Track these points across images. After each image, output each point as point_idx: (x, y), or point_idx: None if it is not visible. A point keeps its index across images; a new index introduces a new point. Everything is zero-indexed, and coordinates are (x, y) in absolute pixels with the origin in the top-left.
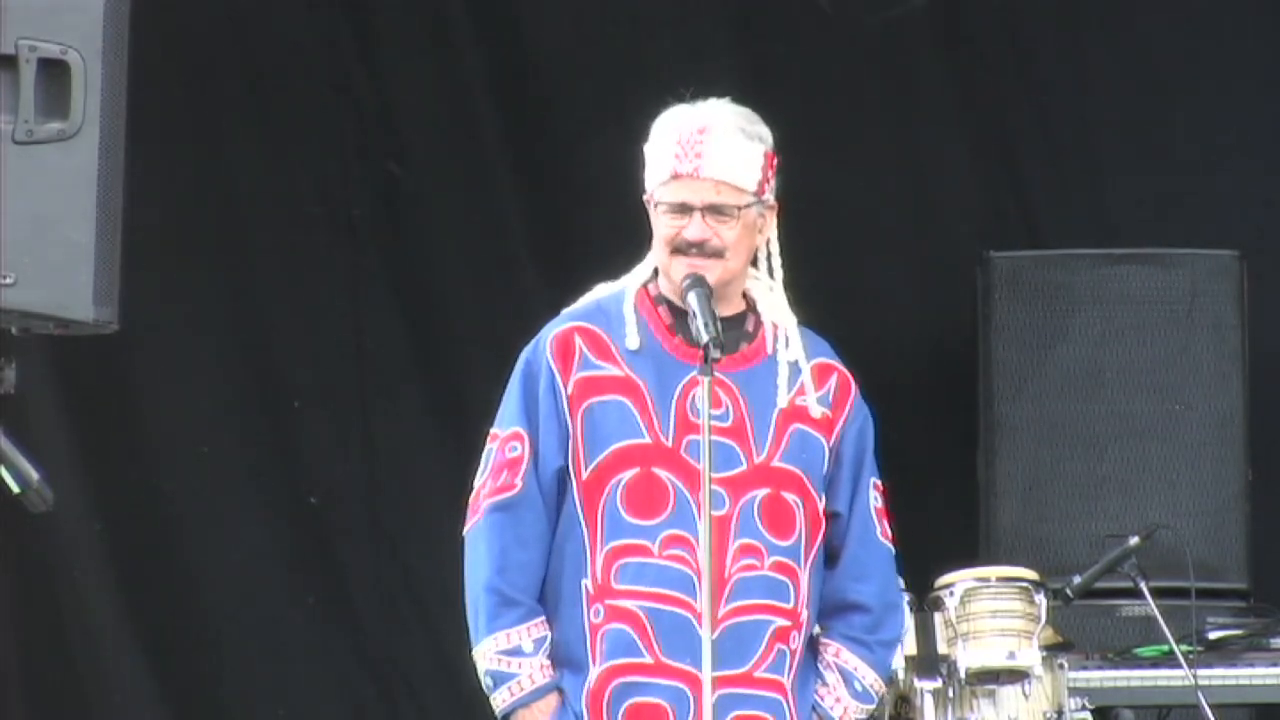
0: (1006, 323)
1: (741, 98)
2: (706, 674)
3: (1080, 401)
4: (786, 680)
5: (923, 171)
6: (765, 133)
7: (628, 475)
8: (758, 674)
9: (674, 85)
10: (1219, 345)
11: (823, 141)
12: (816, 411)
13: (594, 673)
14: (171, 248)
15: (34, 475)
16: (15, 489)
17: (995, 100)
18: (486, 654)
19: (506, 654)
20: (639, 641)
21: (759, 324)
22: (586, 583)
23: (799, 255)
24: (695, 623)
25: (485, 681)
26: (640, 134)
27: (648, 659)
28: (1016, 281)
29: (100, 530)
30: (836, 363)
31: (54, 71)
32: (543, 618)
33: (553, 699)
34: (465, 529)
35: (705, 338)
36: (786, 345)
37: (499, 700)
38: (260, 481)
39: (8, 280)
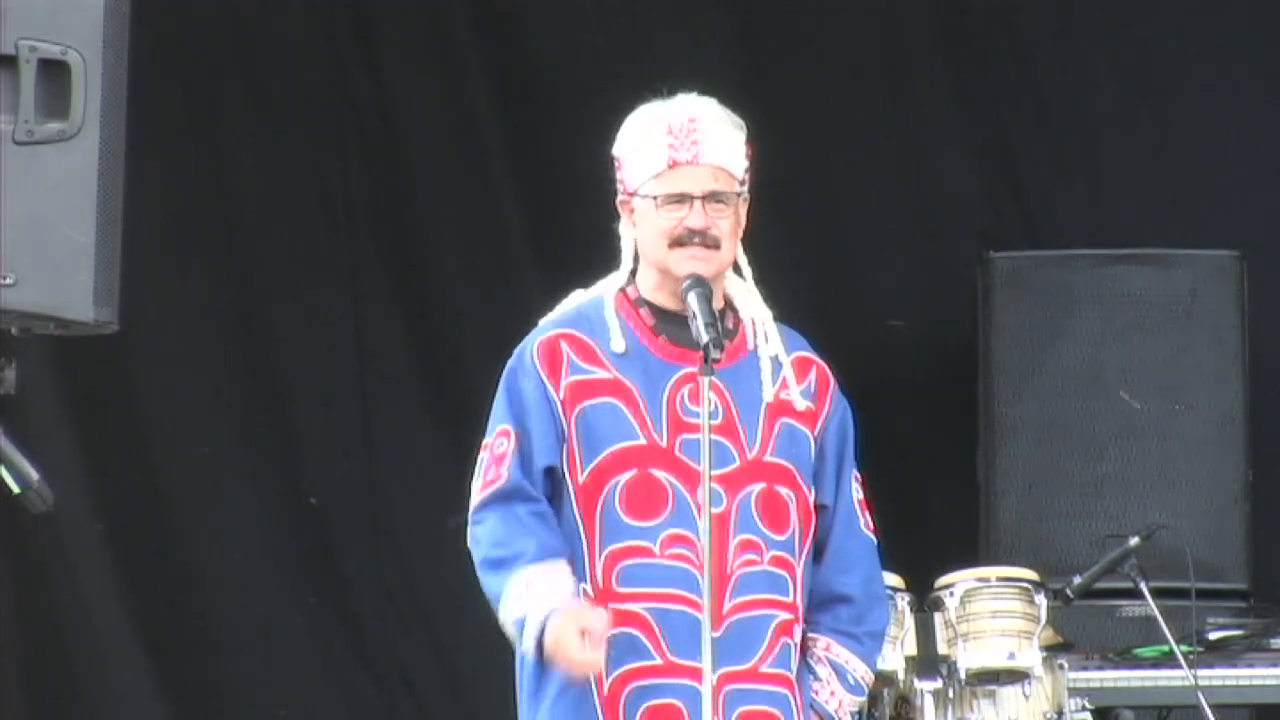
0: (1006, 323)
1: (741, 98)
2: (707, 670)
3: (1080, 401)
4: (792, 674)
5: (923, 171)
6: (743, 123)
7: (625, 477)
8: (763, 669)
9: (673, 85)
10: (1219, 345)
11: (822, 141)
12: (801, 405)
13: (608, 679)
14: (171, 248)
15: (34, 475)
16: (15, 489)
17: (995, 100)
18: (507, 609)
19: (520, 595)
20: (647, 643)
21: (738, 320)
22: (585, 587)
23: (799, 254)
24: (701, 619)
25: (511, 633)
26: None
27: (657, 660)
28: (1016, 281)
29: (101, 530)
30: (814, 356)
31: (54, 71)
32: (560, 560)
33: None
34: (470, 503)
35: (706, 338)
36: (766, 340)
37: (527, 640)
38: (260, 482)
39: (8, 280)
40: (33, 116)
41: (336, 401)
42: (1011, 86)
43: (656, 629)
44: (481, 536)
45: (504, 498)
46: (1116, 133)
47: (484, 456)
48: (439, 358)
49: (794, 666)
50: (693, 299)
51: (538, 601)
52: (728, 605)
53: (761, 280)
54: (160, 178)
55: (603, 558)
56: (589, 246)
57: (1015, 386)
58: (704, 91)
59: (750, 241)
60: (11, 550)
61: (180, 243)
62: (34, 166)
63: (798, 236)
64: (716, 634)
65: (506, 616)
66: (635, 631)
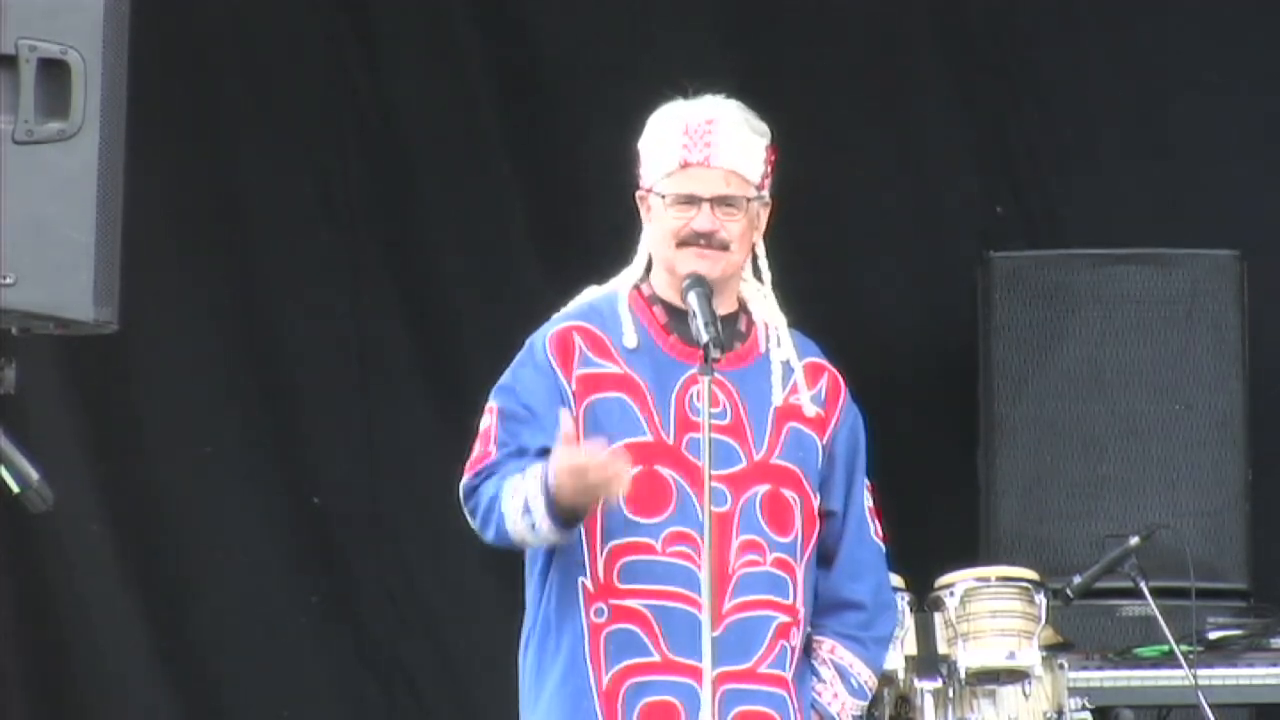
0: (1006, 323)
1: (741, 97)
2: (707, 669)
3: (1080, 401)
4: (789, 675)
5: (923, 171)
6: (765, 128)
7: (630, 473)
8: (761, 669)
9: (674, 84)
10: (1219, 345)
11: (823, 142)
12: (810, 410)
13: (606, 675)
14: (172, 248)
15: (34, 475)
16: (15, 489)
17: (995, 100)
18: (513, 511)
19: (516, 491)
20: (646, 640)
21: (751, 323)
22: (585, 581)
23: (799, 255)
24: (701, 617)
25: (526, 533)
26: (642, 132)
27: (655, 657)
28: (1016, 281)
29: (102, 530)
30: (826, 363)
31: (54, 71)
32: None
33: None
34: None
35: (705, 338)
36: (778, 344)
37: (537, 507)
38: (262, 482)
39: (8, 280)
40: (33, 116)
41: (338, 401)
42: (1011, 86)
43: (656, 626)
44: (479, 504)
45: (490, 473)
46: (1117, 133)
47: (480, 428)
48: (441, 357)
49: (791, 669)
50: (693, 298)
51: (531, 477)
52: (728, 605)
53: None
54: (160, 178)
55: (604, 553)
56: (591, 245)
57: (1015, 387)
58: (703, 91)
59: None
60: (12, 550)
61: (181, 243)
62: (34, 166)
63: (797, 237)
64: (716, 633)
65: (516, 516)
66: (635, 628)
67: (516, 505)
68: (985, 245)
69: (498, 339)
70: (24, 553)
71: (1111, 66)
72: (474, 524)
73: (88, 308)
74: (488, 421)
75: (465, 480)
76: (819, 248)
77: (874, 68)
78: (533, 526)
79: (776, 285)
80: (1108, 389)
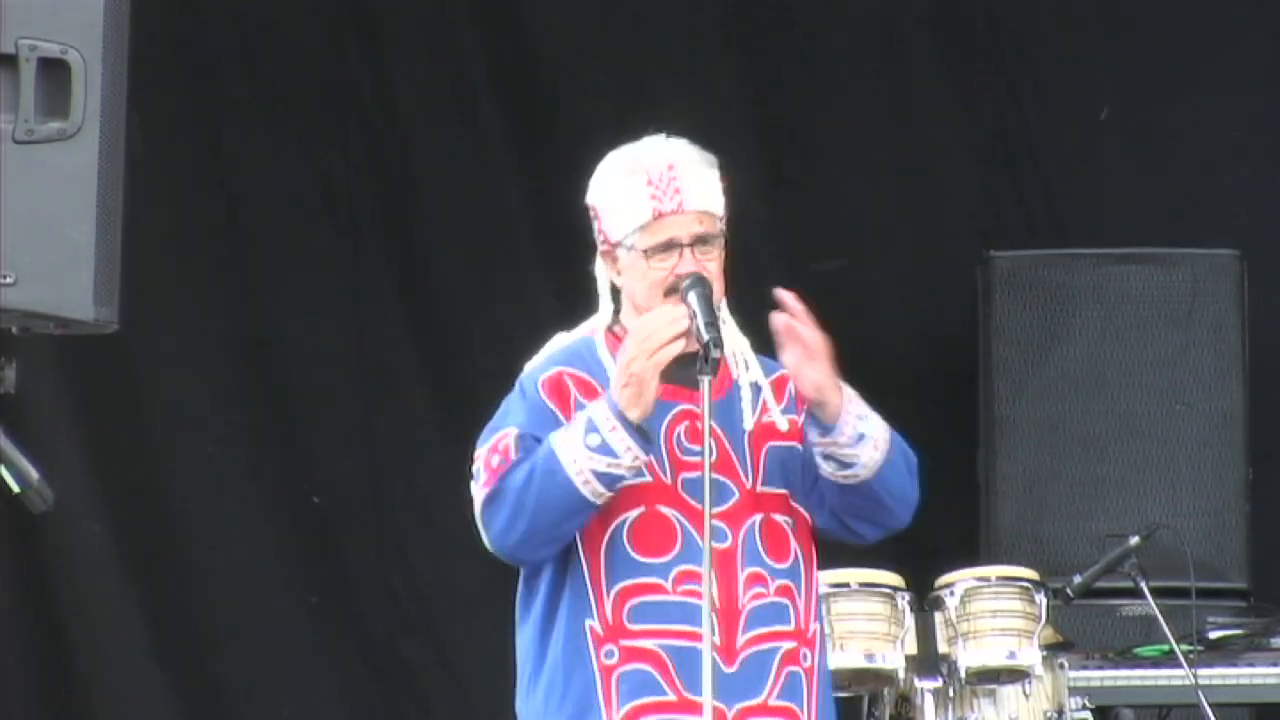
0: (1006, 323)
1: (742, 97)
2: (706, 696)
3: (1080, 401)
4: (800, 707)
5: (923, 171)
6: (714, 157)
7: (633, 515)
8: (771, 702)
9: (676, 84)
10: (1219, 345)
11: (823, 141)
12: (784, 424)
13: (618, 715)
14: (173, 247)
15: (34, 475)
16: (15, 489)
17: (995, 100)
18: (576, 456)
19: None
20: (661, 680)
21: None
22: (592, 624)
23: (799, 255)
24: (716, 656)
25: (589, 445)
26: (645, 132)
27: (671, 696)
28: (1016, 281)
29: (103, 530)
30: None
31: (54, 71)
32: None
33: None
34: (477, 499)
35: (706, 337)
36: (746, 368)
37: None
38: (263, 481)
39: (8, 280)
40: (33, 116)
41: (339, 400)
42: (1011, 86)
43: (670, 665)
44: (507, 495)
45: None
46: (1117, 132)
47: (482, 455)
48: (442, 356)
49: (805, 697)
50: (693, 298)
51: (587, 410)
52: (741, 640)
53: (760, 280)
54: (161, 177)
55: (611, 595)
56: (590, 245)
57: (1015, 387)
58: (704, 92)
59: (749, 241)
60: (13, 550)
61: (181, 242)
62: (34, 166)
63: (797, 236)
64: (731, 669)
65: (577, 452)
66: (649, 668)
67: (574, 444)
68: (985, 245)
69: (499, 337)
70: (24, 553)
71: (1111, 66)
72: (498, 524)
73: (88, 307)
74: (507, 440)
75: (487, 491)
76: (819, 247)
77: (874, 68)
78: (601, 445)
79: (776, 284)
80: (1108, 389)
